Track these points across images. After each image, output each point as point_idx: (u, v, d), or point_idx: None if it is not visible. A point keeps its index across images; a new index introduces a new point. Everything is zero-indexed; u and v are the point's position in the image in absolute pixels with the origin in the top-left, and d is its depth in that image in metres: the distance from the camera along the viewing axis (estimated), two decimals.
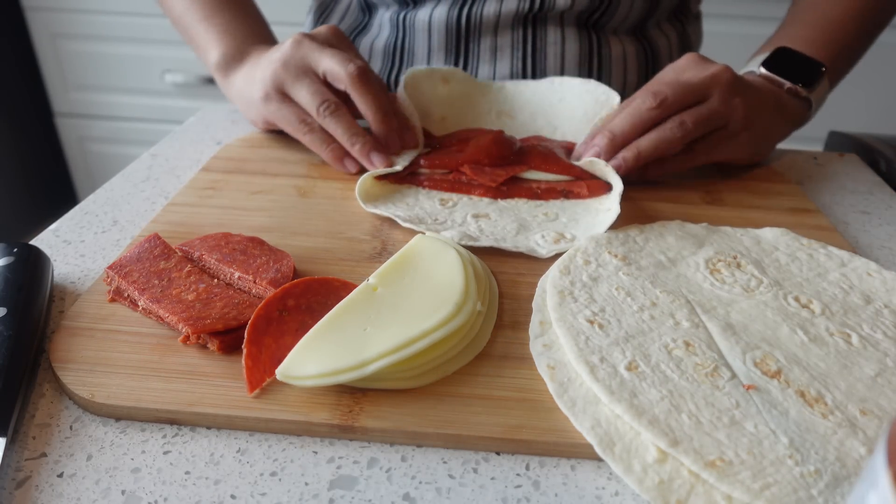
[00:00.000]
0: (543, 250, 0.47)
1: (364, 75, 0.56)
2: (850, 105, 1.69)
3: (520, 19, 0.70)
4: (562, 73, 0.72)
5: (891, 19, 0.70)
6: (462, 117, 0.66)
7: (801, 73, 0.61)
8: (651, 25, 0.75)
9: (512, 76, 0.72)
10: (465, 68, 0.74)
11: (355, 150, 0.56)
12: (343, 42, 0.61)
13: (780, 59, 0.62)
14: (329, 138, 0.58)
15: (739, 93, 0.56)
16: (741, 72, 0.64)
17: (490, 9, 0.69)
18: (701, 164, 0.57)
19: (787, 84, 0.60)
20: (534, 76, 0.72)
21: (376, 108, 0.57)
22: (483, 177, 0.55)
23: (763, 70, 0.61)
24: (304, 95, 0.57)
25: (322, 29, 0.61)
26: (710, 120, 0.54)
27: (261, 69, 0.60)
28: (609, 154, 0.55)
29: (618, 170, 0.53)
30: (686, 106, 0.54)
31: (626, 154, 0.54)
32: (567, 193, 0.55)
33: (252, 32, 0.67)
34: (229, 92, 0.66)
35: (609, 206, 0.51)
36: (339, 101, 0.57)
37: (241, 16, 0.68)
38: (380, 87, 0.58)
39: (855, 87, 1.67)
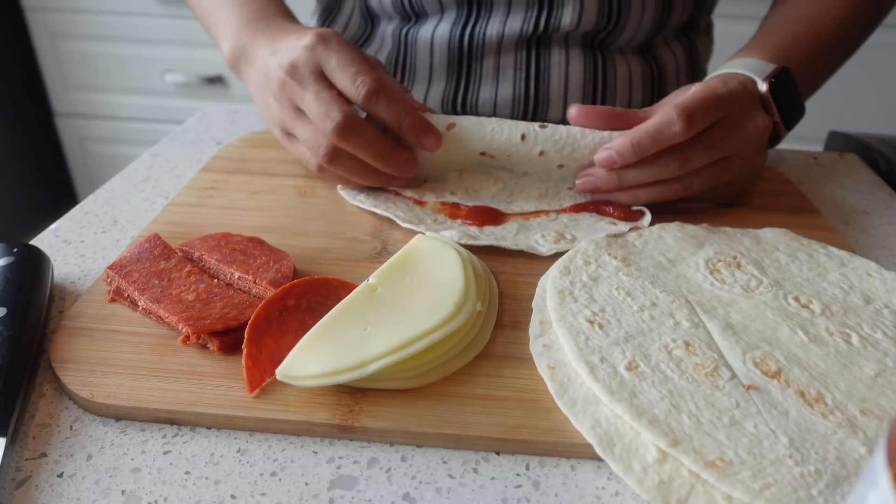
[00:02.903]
0: (544, 248, 0.47)
1: (340, 133, 0.50)
2: (850, 105, 1.70)
3: (524, 40, 0.69)
4: (566, 95, 0.71)
5: (862, 37, 0.68)
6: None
7: (788, 106, 0.55)
8: (659, 43, 0.74)
9: (514, 98, 0.71)
10: (466, 89, 0.72)
11: (405, 125, 0.51)
12: (325, 57, 0.51)
13: (782, 85, 0.55)
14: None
15: (761, 152, 0.53)
16: (723, 69, 0.59)
17: (493, 29, 0.68)
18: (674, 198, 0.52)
19: (777, 118, 0.54)
20: (536, 98, 0.71)
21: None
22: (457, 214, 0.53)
23: (765, 90, 0.54)
24: (342, 80, 0.51)
25: (303, 56, 0.51)
26: (711, 182, 0.52)
27: (264, 98, 0.55)
28: (617, 184, 0.51)
29: (592, 187, 0.52)
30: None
31: (609, 177, 0.51)
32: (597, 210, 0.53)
33: (245, 21, 0.59)
34: (247, 85, 0.61)
35: (618, 224, 0.51)
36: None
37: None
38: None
39: (855, 87, 1.67)
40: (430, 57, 0.72)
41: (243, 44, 0.58)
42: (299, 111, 0.52)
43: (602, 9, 0.66)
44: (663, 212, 0.54)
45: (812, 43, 0.62)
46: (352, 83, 0.49)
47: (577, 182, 0.53)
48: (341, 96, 0.51)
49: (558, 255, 0.46)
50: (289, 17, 0.62)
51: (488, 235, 0.48)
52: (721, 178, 0.52)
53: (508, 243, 0.47)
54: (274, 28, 0.57)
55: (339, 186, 0.55)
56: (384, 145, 0.52)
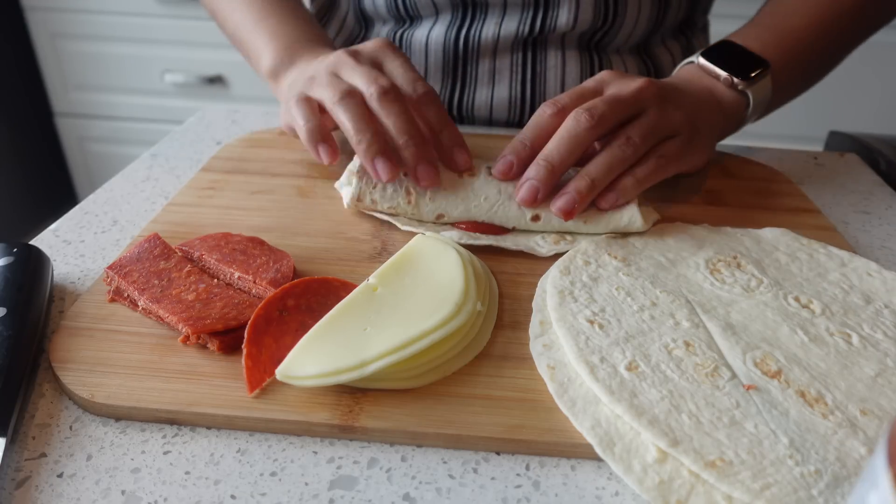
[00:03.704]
0: (544, 249, 0.47)
1: (386, 95, 0.49)
2: (850, 105, 1.70)
3: (519, 42, 0.68)
4: None
5: (856, 43, 0.67)
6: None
7: (743, 67, 0.57)
8: (655, 43, 0.73)
9: (511, 101, 0.71)
10: (462, 92, 0.72)
11: (407, 153, 0.48)
12: (395, 60, 0.53)
13: (722, 52, 0.58)
14: (370, 124, 0.49)
15: (671, 100, 0.51)
16: (681, 65, 0.61)
17: (489, 31, 0.68)
18: (656, 181, 0.50)
19: (723, 75, 0.56)
20: (533, 101, 0.71)
21: (397, 129, 0.49)
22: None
23: (700, 59, 0.58)
24: (356, 76, 0.51)
25: (369, 44, 0.54)
26: (653, 132, 0.49)
27: (305, 73, 0.56)
28: (549, 186, 0.47)
29: (571, 205, 0.46)
30: (621, 122, 0.48)
31: (579, 184, 0.47)
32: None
33: (299, 35, 0.63)
34: (278, 95, 0.63)
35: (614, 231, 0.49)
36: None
37: (289, 18, 0.65)
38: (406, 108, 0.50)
39: (855, 87, 1.68)
40: (424, 60, 0.72)
41: (293, 53, 0.61)
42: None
43: (598, 8, 0.66)
44: (663, 211, 0.54)
45: (805, 32, 0.61)
46: (411, 82, 0.51)
47: (554, 209, 0.47)
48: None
49: (558, 255, 0.46)
50: (329, 45, 0.63)
51: (488, 236, 0.48)
52: (672, 153, 0.50)
53: (508, 243, 0.47)
54: (318, 50, 0.61)
55: (343, 189, 0.53)
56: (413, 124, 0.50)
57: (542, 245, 0.47)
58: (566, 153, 0.47)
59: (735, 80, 0.56)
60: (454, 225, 0.50)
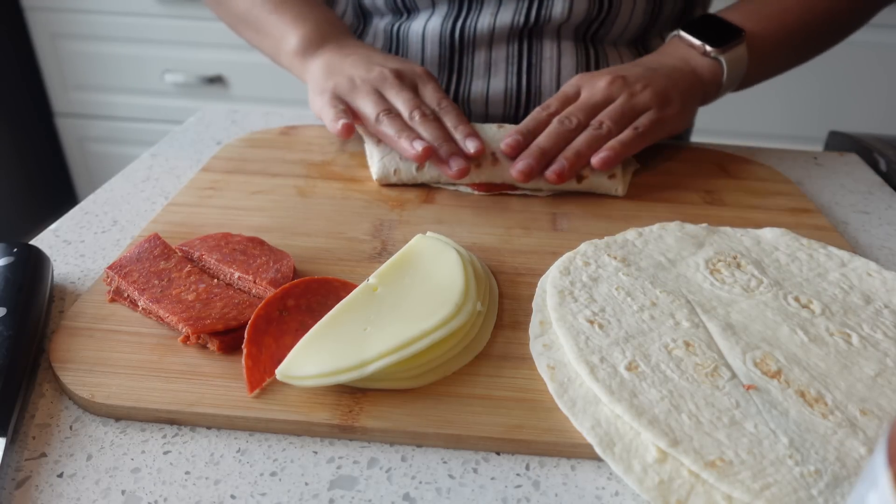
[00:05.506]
0: (544, 193, 0.57)
1: (425, 117, 0.58)
2: (850, 105, 1.70)
3: (515, 33, 0.69)
4: (558, 88, 0.70)
5: (852, 20, 0.69)
6: None
7: (718, 37, 0.63)
8: (653, 35, 0.74)
9: (507, 92, 0.71)
10: (458, 83, 0.73)
11: (442, 150, 0.56)
12: (428, 84, 0.61)
13: (702, 24, 0.65)
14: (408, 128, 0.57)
15: (639, 81, 0.59)
16: (668, 38, 0.67)
17: (484, 22, 0.68)
18: (637, 148, 0.58)
19: (697, 43, 0.63)
20: (528, 92, 0.71)
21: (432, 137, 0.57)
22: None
23: (681, 31, 0.64)
24: (399, 101, 0.59)
25: (409, 70, 0.62)
26: (623, 115, 0.58)
27: (343, 70, 0.62)
28: (540, 165, 0.56)
29: (561, 169, 0.55)
30: (596, 115, 0.58)
31: (566, 153, 0.56)
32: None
33: (325, 19, 0.67)
34: (304, 75, 0.66)
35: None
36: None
37: (311, 5, 0.69)
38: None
39: (855, 87, 1.67)
40: (421, 52, 0.72)
41: (322, 35, 0.66)
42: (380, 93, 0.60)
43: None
44: (663, 211, 0.54)
45: (792, 3, 0.66)
46: (438, 100, 0.60)
47: (548, 174, 0.56)
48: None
49: (558, 254, 0.46)
50: (351, 35, 0.69)
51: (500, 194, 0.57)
52: (647, 124, 0.58)
53: (517, 192, 0.57)
54: (344, 39, 0.67)
55: (374, 157, 0.59)
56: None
57: (543, 191, 0.58)
58: (553, 144, 0.57)
59: (708, 48, 0.62)
60: (471, 185, 0.59)
